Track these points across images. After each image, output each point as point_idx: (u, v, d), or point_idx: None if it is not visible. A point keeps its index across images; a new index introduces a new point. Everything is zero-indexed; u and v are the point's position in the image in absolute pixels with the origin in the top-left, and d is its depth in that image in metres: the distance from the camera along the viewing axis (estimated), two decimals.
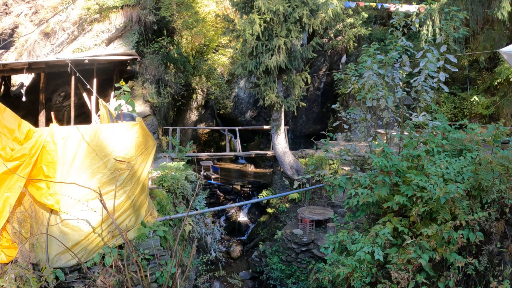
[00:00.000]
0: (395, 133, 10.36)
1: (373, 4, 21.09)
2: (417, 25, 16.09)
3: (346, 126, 11.09)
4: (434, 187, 7.00)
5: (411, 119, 9.08)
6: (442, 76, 8.99)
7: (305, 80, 17.23)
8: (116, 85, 9.74)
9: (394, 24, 9.92)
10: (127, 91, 9.31)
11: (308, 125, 25.95)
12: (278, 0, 15.71)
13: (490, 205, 7.37)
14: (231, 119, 26.43)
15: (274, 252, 15.97)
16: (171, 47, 22.93)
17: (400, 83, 10.32)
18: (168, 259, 9.62)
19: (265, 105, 16.67)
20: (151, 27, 21.47)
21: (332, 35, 22.29)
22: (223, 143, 24.82)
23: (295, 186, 15.87)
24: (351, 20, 21.60)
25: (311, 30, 16.49)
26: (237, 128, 20.53)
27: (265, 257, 16.25)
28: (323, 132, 11.47)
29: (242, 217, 20.88)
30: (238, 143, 20.32)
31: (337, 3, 17.54)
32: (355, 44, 21.71)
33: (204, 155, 20.51)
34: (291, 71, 16.87)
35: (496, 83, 18.98)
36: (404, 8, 19.91)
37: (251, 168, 25.86)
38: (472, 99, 19.25)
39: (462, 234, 6.86)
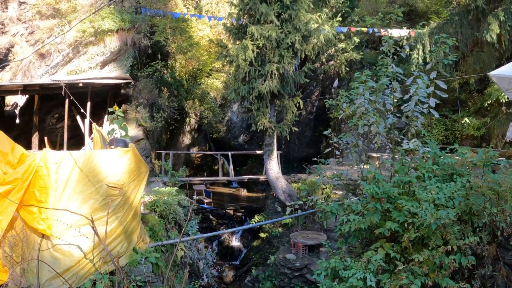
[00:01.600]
0: (386, 156, 10.44)
1: (364, 29, 21.39)
2: (407, 50, 16.34)
3: (338, 152, 11.13)
4: (425, 213, 7.04)
5: (402, 145, 9.16)
6: (432, 102, 9.10)
7: (297, 105, 17.36)
8: (110, 109, 9.79)
9: (384, 50, 10.07)
10: (120, 116, 9.37)
11: (301, 149, 26.03)
12: (271, 26, 15.92)
13: (482, 229, 7.43)
14: (224, 143, 26.51)
15: (267, 277, 15.87)
16: (165, 71, 23.09)
17: (391, 108, 10.41)
18: (160, 285, 9.54)
19: (258, 130, 16.75)
20: (145, 51, 21.62)
21: (324, 59, 22.50)
22: (216, 167, 24.87)
23: (287, 212, 15.85)
24: (342, 45, 21.83)
25: (303, 55, 16.68)
26: (229, 153, 20.58)
27: (258, 282, 16.13)
28: (315, 158, 11.51)
29: (235, 242, 20.77)
30: (231, 168, 20.35)
31: (329, 29, 17.79)
32: (347, 69, 21.91)
33: (196, 179, 20.53)
34: (283, 96, 16.99)
35: (486, 104, 19.19)
36: (395, 33, 20.22)
37: (244, 192, 25.83)
38: (463, 121, 19.46)
39: (454, 259, 6.90)
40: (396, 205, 7.78)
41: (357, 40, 21.81)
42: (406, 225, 7.42)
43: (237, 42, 17.33)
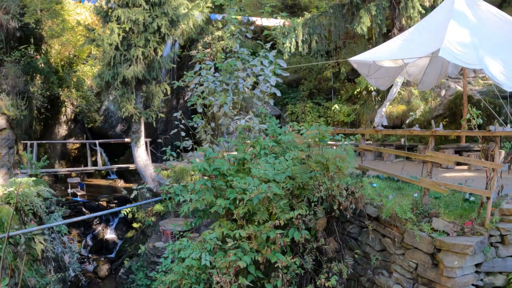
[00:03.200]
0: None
1: (239, 17, 21.29)
2: (280, 39, 16.44)
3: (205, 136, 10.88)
4: (253, 189, 6.99)
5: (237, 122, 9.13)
6: (273, 80, 9.15)
7: (164, 91, 16.94)
8: None
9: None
10: None
11: (179, 137, 25.45)
12: (139, 9, 15.38)
13: (318, 203, 7.50)
14: (101, 133, 25.38)
15: (139, 268, 15.42)
16: (38, 56, 21.61)
17: (245, 89, 10.38)
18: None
19: (123, 117, 16.17)
20: (14, 33, 20.03)
21: (200, 47, 22.24)
22: (94, 159, 23.82)
23: (132, 195, 15.43)
24: (219, 33, 21.70)
25: (171, 40, 16.29)
26: (97, 142, 19.82)
27: (132, 273, 15.63)
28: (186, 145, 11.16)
29: (110, 234, 19.99)
30: (99, 157, 19.59)
31: (199, 15, 17.53)
32: (223, 57, 21.75)
33: (63, 170, 19.56)
34: (150, 82, 16.49)
35: (356, 92, 19.93)
36: (271, 22, 20.40)
37: (121, 183, 24.91)
38: (333, 108, 20.11)
39: (280, 234, 6.89)
40: (227, 182, 7.69)
41: (234, 29, 21.69)
42: (238, 202, 7.32)
43: (106, 26, 16.59)
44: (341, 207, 7.36)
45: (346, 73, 20.88)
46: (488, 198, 7.09)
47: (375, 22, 18.15)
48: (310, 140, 8.39)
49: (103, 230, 20.07)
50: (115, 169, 21.00)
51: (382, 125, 16.99)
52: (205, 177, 7.77)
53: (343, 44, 20.48)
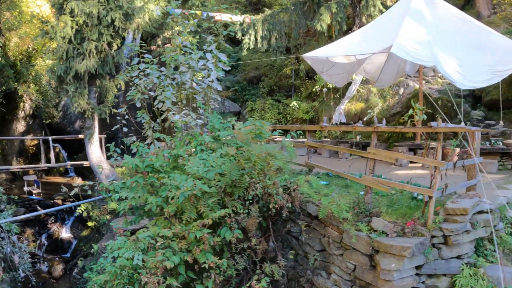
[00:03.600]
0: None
1: (199, 13, 21.03)
2: (240, 34, 16.20)
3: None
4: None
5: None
6: (214, 75, 8.94)
7: (118, 86, 16.55)
8: None
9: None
10: None
11: (138, 133, 25.06)
12: (94, 2, 14.96)
13: (253, 201, 7.27)
14: (60, 129, 24.75)
15: (92, 268, 15.04)
16: None
17: (192, 83, 10.14)
18: None
19: (76, 112, 15.74)
20: None
21: (160, 42, 21.86)
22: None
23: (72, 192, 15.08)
24: (179, 28, 21.34)
25: (126, 34, 15.92)
26: (50, 138, 19.33)
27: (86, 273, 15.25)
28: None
29: (65, 234, 19.49)
30: (52, 154, 19.09)
31: (156, 9, 17.19)
32: (183, 52, 21.45)
33: (16, 168, 19.04)
34: (103, 77, 16.08)
35: (315, 89, 19.83)
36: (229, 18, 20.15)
37: (79, 180, 24.33)
38: (291, 105, 19.99)
39: (211, 233, 6.66)
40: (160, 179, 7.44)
41: (194, 24, 21.38)
42: (170, 199, 7.07)
43: (60, 18, 16.11)
44: (276, 206, 7.10)
45: (306, 70, 20.77)
46: (430, 197, 6.85)
47: (336, 19, 18.06)
48: (249, 136, 8.19)
49: (58, 229, 19.57)
50: (69, 166, 20.51)
51: (341, 122, 16.93)
52: (138, 174, 7.50)
53: (304, 42, 20.33)
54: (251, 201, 7.14)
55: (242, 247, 7.05)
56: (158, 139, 10.32)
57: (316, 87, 19.52)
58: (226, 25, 19.70)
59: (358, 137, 16.12)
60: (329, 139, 17.38)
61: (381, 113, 17.72)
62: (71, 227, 19.71)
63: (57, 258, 18.26)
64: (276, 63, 22.04)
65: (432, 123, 6.96)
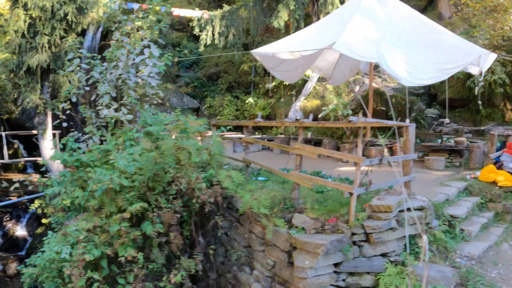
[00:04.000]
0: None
1: (157, 8, 20.89)
2: (197, 30, 16.16)
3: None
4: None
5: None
6: (147, 70, 8.99)
7: (71, 81, 16.39)
8: None
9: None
10: None
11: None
12: None
13: (177, 196, 7.29)
14: (19, 125, 24.43)
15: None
16: None
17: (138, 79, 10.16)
18: None
19: (28, 107, 15.61)
20: None
21: (119, 36, 21.65)
22: (10, 152, 22.87)
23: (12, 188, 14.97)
24: (139, 23, 21.22)
25: (79, 28, 15.80)
26: (3, 134, 19.15)
27: None
28: None
29: (20, 231, 19.25)
30: (5, 150, 18.89)
31: (110, 2, 17.06)
32: (142, 47, 21.36)
33: None
34: (56, 72, 15.94)
35: (273, 86, 19.94)
36: (190, 14, 20.14)
37: (37, 177, 24.11)
38: (247, 101, 20.09)
39: (129, 227, 6.68)
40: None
41: (153, 19, 21.26)
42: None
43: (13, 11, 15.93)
44: (199, 201, 7.11)
45: (263, 67, 20.85)
46: (350, 194, 6.65)
47: (293, 17, 18.14)
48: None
49: (13, 226, 19.32)
50: (23, 162, 20.28)
51: (296, 119, 17.00)
52: (67, 168, 7.50)
53: (262, 39, 20.40)
54: (174, 196, 7.16)
55: (160, 241, 7.02)
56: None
57: (273, 84, 19.64)
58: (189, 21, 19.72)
59: (309, 134, 16.26)
60: (283, 136, 17.50)
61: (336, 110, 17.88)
62: (27, 225, 19.47)
63: (12, 256, 18.03)
64: (236, 60, 22.08)
65: (351, 118, 6.81)
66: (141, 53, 10.11)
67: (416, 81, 10.36)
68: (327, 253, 6.12)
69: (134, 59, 9.86)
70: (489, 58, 11.61)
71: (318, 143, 15.38)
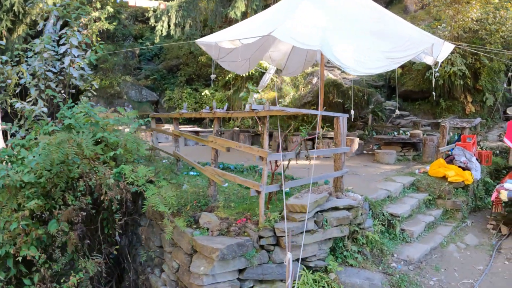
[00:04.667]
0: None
1: None
2: (153, 21, 15.71)
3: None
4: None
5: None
6: (67, 60, 8.67)
7: (19, 74, 15.93)
8: None
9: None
10: None
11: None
12: None
13: (86, 193, 6.98)
14: None
15: None
16: None
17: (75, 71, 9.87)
18: None
19: None
20: None
21: (76, 28, 21.23)
22: None
23: None
24: (96, 14, 20.77)
25: (28, 20, 15.36)
26: None
27: None
28: None
29: None
30: None
31: None
32: (98, 39, 20.96)
33: None
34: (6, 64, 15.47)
35: (230, 78, 19.76)
36: (147, 4, 19.75)
37: None
38: (203, 94, 19.86)
39: (22, 225, 6.41)
40: None
41: (111, 10, 20.86)
42: None
43: None
44: (106, 197, 6.76)
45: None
46: (258, 192, 6.06)
47: (251, 7, 17.89)
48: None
49: None
50: None
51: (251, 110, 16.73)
52: None
53: (219, 29, 20.07)
54: (83, 192, 6.83)
55: (60, 241, 6.69)
56: None
57: (230, 76, 19.40)
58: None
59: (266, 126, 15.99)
60: (239, 129, 17.25)
61: (292, 102, 17.71)
62: None
63: None
64: (196, 52, 21.69)
65: (254, 106, 6.17)
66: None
67: (363, 70, 9.78)
68: (224, 259, 5.51)
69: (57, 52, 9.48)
70: (444, 47, 11.26)
71: (270, 136, 15.09)
